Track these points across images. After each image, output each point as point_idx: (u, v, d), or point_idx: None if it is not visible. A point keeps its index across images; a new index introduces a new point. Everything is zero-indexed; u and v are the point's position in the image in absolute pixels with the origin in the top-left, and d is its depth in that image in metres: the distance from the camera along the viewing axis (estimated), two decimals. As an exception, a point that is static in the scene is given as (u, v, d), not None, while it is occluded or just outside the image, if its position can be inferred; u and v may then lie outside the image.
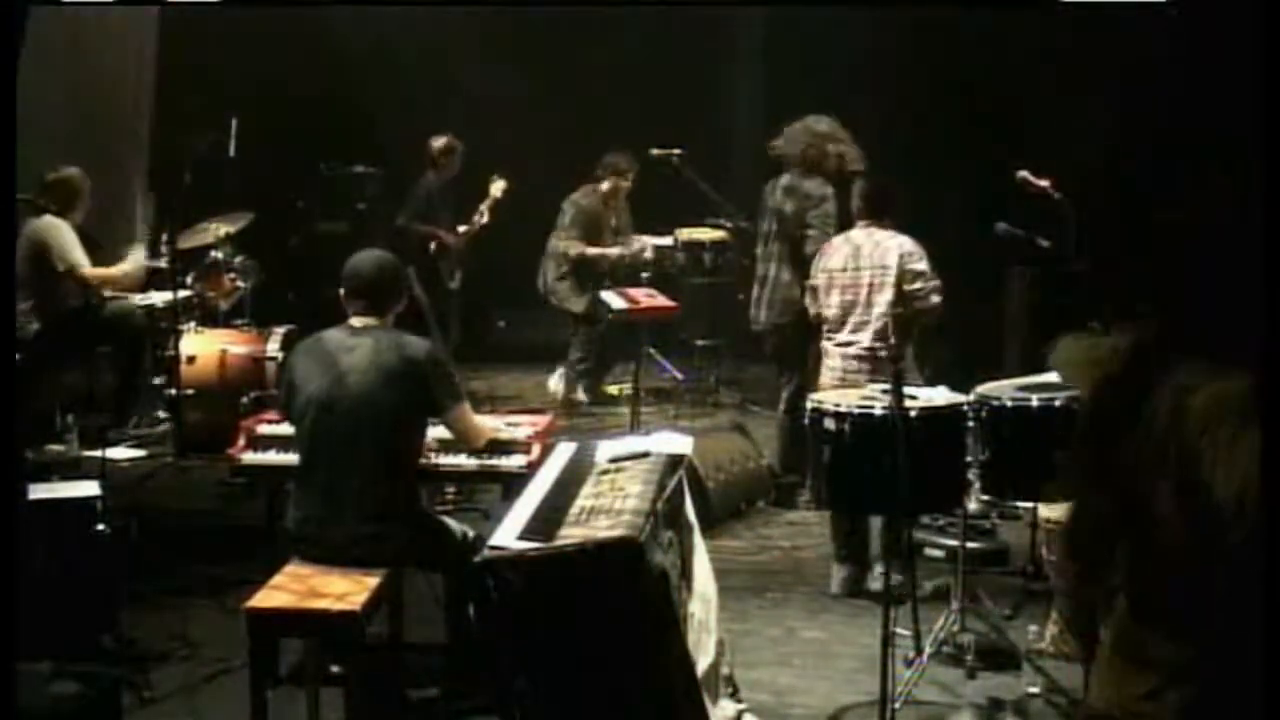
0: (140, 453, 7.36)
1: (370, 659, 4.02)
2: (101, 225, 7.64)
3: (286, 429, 4.51)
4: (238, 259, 7.88)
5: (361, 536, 4.11)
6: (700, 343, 9.06)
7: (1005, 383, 4.82)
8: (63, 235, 7.13)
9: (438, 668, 4.46)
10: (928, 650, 4.59)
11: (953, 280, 5.65)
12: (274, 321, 7.65)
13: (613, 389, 8.90)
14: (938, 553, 5.67)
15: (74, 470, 6.20)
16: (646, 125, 8.73)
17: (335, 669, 4.18)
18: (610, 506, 3.47)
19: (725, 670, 4.11)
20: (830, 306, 5.63)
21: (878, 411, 4.41)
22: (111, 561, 4.60)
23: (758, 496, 6.72)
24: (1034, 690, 4.50)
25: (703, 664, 3.66)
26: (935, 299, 5.49)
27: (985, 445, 4.55)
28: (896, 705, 4.17)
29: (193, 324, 7.54)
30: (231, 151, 8.52)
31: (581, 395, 8.66)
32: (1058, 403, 4.44)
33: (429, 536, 4.29)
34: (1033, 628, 4.96)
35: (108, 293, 7.40)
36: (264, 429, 4.74)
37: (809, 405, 4.67)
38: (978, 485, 4.74)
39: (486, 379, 9.40)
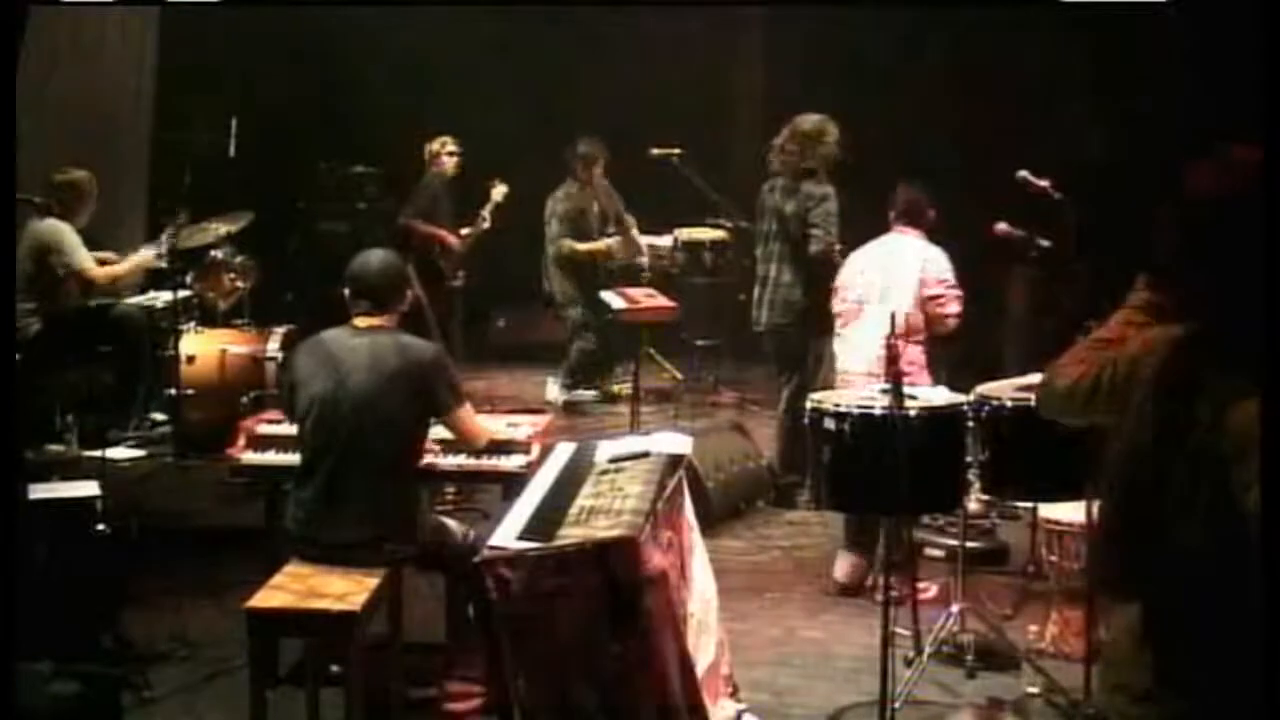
0: (140, 453, 7.36)
1: (370, 659, 4.02)
2: (101, 226, 7.64)
3: (286, 429, 4.51)
4: (238, 259, 7.87)
5: (362, 537, 4.11)
6: (700, 343, 9.06)
7: (1005, 383, 4.82)
8: (66, 239, 7.14)
9: (438, 668, 4.46)
10: (928, 650, 4.60)
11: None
12: (274, 321, 7.65)
13: (612, 389, 8.91)
14: (938, 553, 5.68)
15: (74, 470, 6.19)
16: (647, 125, 8.73)
17: (335, 669, 4.18)
18: (610, 506, 3.47)
19: (725, 670, 4.12)
20: (849, 307, 5.71)
21: (878, 411, 4.41)
22: (111, 561, 4.59)
23: (758, 496, 6.73)
24: (1034, 690, 4.50)
25: (703, 664, 3.66)
26: (952, 309, 5.58)
27: (985, 445, 4.55)
28: (896, 705, 4.18)
29: (193, 324, 7.54)
30: (231, 151, 8.53)
31: (584, 395, 8.71)
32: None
33: (429, 536, 4.29)
34: (1033, 628, 4.96)
35: (104, 294, 7.42)
36: (264, 429, 4.74)
37: (809, 405, 4.67)
38: (978, 485, 4.74)
39: (487, 379, 9.41)
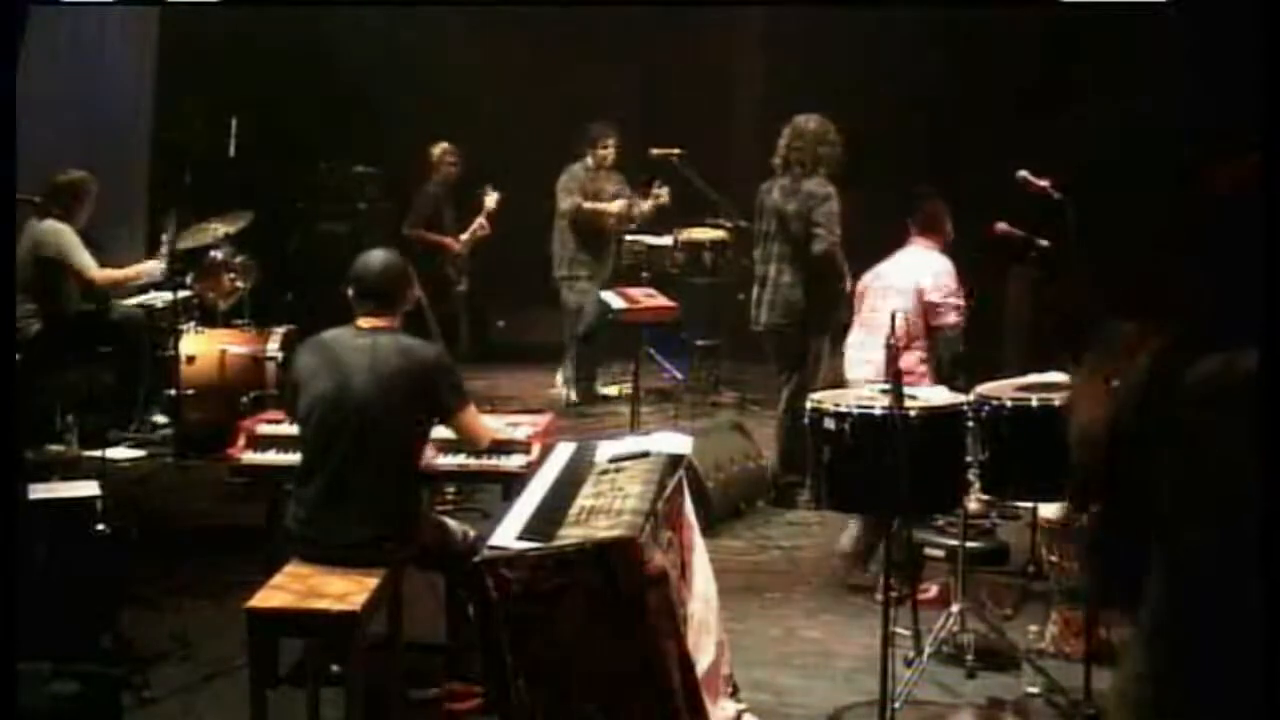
0: (140, 453, 7.37)
1: (370, 659, 4.02)
2: (101, 226, 7.64)
3: (286, 429, 4.51)
4: (238, 259, 7.88)
5: (362, 537, 4.11)
6: (700, 343, 9.06)
7: (1005, 382, 4.82)
8: (65, 240, 7.13)
9: (438, 668, 4.46)
10: (928, 650, 4.60)
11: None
12: (274, 321, 7.66)
13: (613, 389, 8.91)
14: (938, 553, 5.67)
15: (74, 470, 6.20)
16: (647, 125, 8.73)
17: (335, 669, 4.19)
18: (610, 506, 3.47)
19: (725, 670, 4.11)
20: (865, 317, 5.81)
21: (878, 411, 4.41)
22: (111, 561, 4.60)
23: (758, 496, 6.73)
24: (1034, 690, 4.50)
25: (703, 664, 3.66)
26: (952, 318, 5.69)
27: (985, 445, 4.55)
28: (896, 705, 4.18)
29: (193, 324, 7.54)
30: (231, 151, 8.52)
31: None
32: (1057, 403, 4.44)
33: (429, 536, 4.29)
34: (1033, 628, 4.96)
35: (104, 295, 7.41)
36: (264, 429, 4.74)
37: (809, 405, 4.67)
38: (978, 485, 4.74)
39: (487, 379, 9.40)
